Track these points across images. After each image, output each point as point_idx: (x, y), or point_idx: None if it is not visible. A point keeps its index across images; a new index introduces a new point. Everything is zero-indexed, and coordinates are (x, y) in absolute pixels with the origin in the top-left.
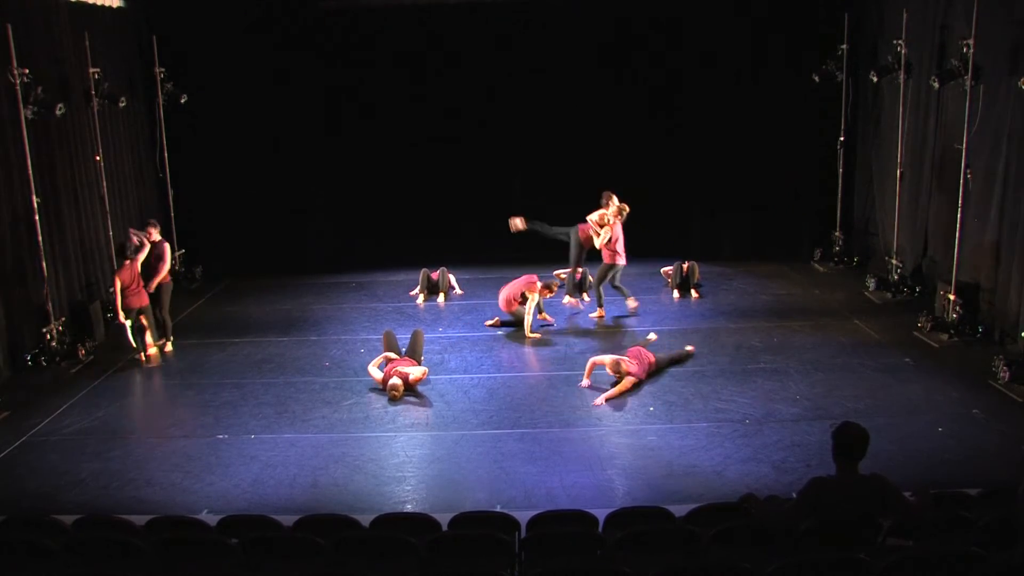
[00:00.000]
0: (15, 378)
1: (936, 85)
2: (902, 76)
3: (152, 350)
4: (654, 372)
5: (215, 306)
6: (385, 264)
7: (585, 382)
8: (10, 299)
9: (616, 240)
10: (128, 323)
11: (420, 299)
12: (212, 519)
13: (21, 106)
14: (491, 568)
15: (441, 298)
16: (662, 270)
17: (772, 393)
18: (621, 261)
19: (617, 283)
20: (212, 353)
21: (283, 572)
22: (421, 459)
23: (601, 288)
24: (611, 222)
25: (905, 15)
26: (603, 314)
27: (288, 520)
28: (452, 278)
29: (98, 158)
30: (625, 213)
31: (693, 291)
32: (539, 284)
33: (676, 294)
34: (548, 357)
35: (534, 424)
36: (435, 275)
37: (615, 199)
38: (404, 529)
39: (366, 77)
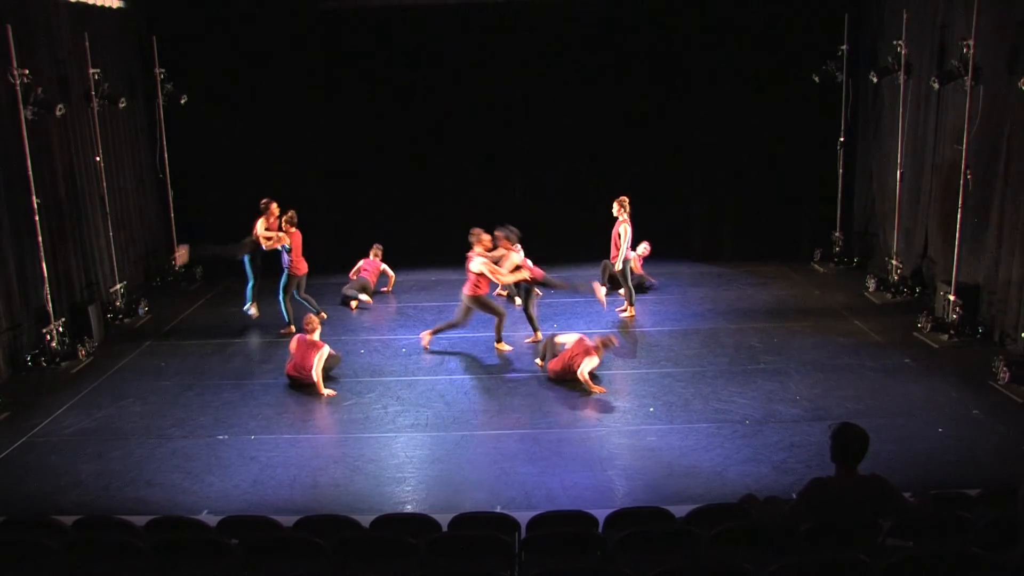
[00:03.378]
0: (15, 378)
1: (936, 85)
2: (902, 77)
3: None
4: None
5: (215, 307)
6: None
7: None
8: (10, 299)
9: (625, 237)
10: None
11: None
12: (212, 520)
13: (21, 106)
14: (491, 569)
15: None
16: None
17: (772, 394)
18: (620, 263)
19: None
20: (212, 354)
21: (283, 572)
22: (421, 460)
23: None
24: (624, 219)
25: (905, 15)
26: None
27: (288, 520)
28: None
29: (98, 158)
30: (627, 205)
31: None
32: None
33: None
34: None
35: (534, 425)
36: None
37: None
38: (404, 530)
39: (366, 77)
